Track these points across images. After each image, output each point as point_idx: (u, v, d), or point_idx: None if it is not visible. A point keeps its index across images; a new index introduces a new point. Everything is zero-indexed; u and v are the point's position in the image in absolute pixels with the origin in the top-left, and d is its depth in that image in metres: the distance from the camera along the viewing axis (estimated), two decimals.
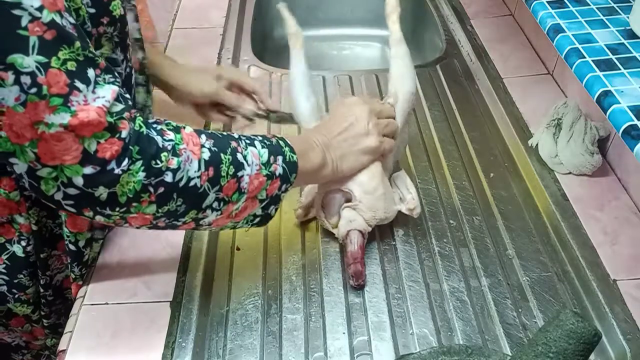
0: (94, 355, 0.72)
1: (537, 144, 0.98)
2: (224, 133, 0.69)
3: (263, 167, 0.68)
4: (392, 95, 0.88)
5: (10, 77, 0.51)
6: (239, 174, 0.66)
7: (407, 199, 0.86)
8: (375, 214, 0.82)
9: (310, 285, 0.82)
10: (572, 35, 0.89)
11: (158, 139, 0.61)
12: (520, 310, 0.78)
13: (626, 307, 0.75)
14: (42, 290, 0.80)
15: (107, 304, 0.77)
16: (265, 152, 0.69)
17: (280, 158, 0.70)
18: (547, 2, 0.96)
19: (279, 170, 0.70)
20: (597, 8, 0.94)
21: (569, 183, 0.93)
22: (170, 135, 0.62)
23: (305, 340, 0.75)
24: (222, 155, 0.65)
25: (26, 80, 0.52)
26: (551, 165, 0.96)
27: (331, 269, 0.84)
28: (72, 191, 0.58)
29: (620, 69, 0.81)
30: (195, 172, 0.62)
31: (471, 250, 0.86)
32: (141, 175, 0.59)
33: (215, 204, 0.65)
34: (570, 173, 0.94)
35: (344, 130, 0.79)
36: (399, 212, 0.86)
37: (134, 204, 0.60)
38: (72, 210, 0.60)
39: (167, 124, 0.64)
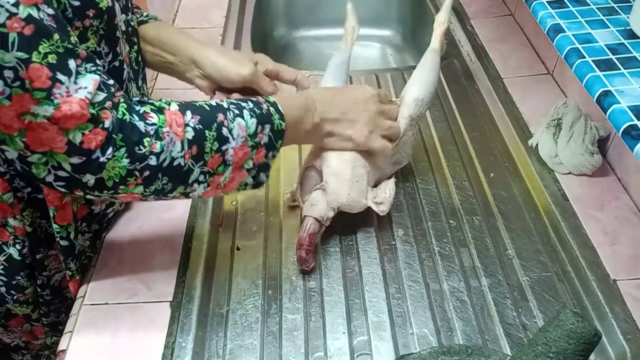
0: (94, 355, 0.72)
1: (537, 144, 0.98)
2: (213, 104, 0.69)
3: (249, 139, 0.69)
4: (399, 98, 0.90)
5: None
6: (223, 148, 0.67)
7: (381, 195, 0.86)
8: (338, 197, 0.82)
9: (310, 285, 0.82)
10: (572, 35, 0.89)
11: (140, 124, 0.62)
12: (520, 310, 0.78)
13: (626, 307, 0.75)
14: (39, 290, 0.80)
15: (107, 304, 0.77)
16: (253, 123, 0.69)
17: (267, 127, 0.70)
18: (547, 2, 0.96)
19: (265, 140, 0.70)
20: (597, 8, 0.94)
21: (569, 183, 0.93)
22: (154, 118, 0.63)
23: (305, 340, 0.75)
24: (206, 132, 0.65)
25: (9, 74, 0.53)
26: (551, 165, 0.96)
27: (331, 268, 0.84)
28: (62, 174, 0.60)
29: (620, 69, 0.81)
30: (178, 152, 0.63)
31: (471, 250, 0.86)
32: (125, 161, 0.60)
33: (201, 177, 0.66)
34: (570, 173, 0.94)
35: (346, 111, 0.80)
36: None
37: (121, 187, 0.62)
38: (64, 190, 0.62)
39: (150, 104, 0.64)
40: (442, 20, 0.94)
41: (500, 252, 0.86)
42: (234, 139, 0.67)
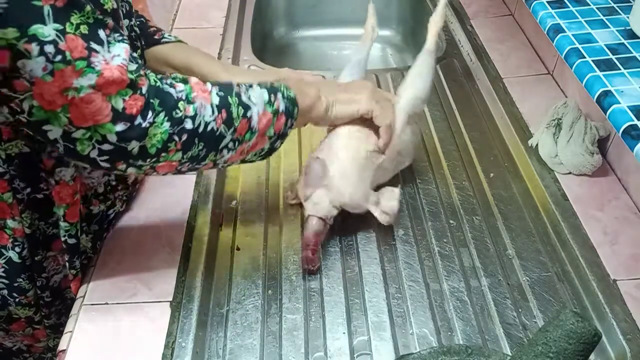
0: (93, 355, 0.72)
1: (537, 144, 0.98)
2: (224, 82, 0.72)
3: (267, 105, 0.72)
4: (395, 96, 0.89)
5: (34, 48, 0.53)
6: (248, 114, 0.70)
7: (386, 204, 0.85)
8: (341, 197, 0.82)
9: (310, 285, 0.82)
10: (572, 35, 0.89)
11: (172, 90, 0.64)
12: (520, 310, 0.78)
13: (626, 307, 0.75)
14: (39, 292, 0.80)
15: (107, 304, 0.77)
16: (264, 92, 0.73)
17: (279, 94, 0.74)
18: (547, 2, 0.96)
19: (282, 106, 0.73)
20: (597, 8, 0.94)
21: (569, 183, 0.93)
22: (181, 86, 0.66)
23: (305, 340, 0.75)
24: (229, 98, 0.69)
25: (50, 49, 0.54)
26: (551, 165, 0.96)
27: (331, 269, 0.84)
28: (106, 147, 0.61)
29: (620, 69, 0.81)
30: (210, 116, 0.66)
31: (471, 250, 0.86)
32: (166, 125, 0.62)
33: (230, 144, 0.69)
34: (570, 173, 0.94)
35: (344, 89, 0.84)
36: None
37: (163, 154, 0.64)
38: (107, 165, 0.63)
39: (174, 77, 0.67)
40: (438, 19, 0.94)
41: (500, 252, 0.86)
42: (254, 104, 0.70)
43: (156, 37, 0.90)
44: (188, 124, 0.64)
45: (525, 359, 0.60)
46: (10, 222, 0.73)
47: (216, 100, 0.67)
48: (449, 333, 0.75)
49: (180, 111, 0.63)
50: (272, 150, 0.76)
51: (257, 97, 0.71)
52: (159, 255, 0.83)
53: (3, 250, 0.74)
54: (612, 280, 0.79)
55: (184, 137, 0.64)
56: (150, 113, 0.61)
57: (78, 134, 0.59)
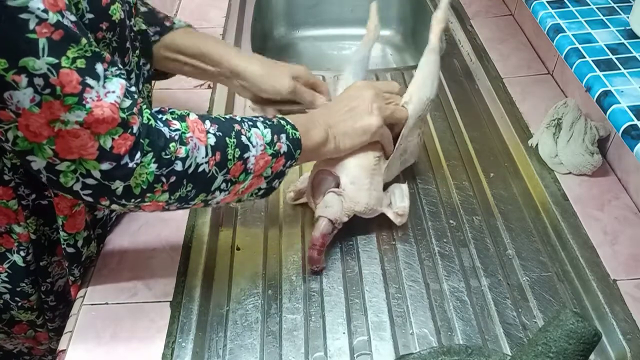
0: (94, 355, 0.72)
1: (537, 144, 0.98)
2: (227, 117, 0.70)
3: (267, 147, 0.69)
4: (405, 97, 0.88)
5: (23, 80, 0.52)
6: (245, 155, 0.67)
7: (399, 206, 0.86)
8: (355, 206, 0.82)
9: (310, 285, 0.82)
10: (572, 35, 0.89)
11: (165, 130, 0.62)
12: (520, 310, 0.78)
13: (626, 307, 0.75)
14: (43, 296, 0.80)
15: (107, 304, 0.77)
16: (268, 132, 0.70)
17: (283, 136, 0.71)
18: (547, 2, 0.96)
19: (284, 148, 0.71)
20: (597, 8, 0.94)
21: (569, 183, 0.93)
22: (176, 124, 0.63)
23: (305, 340, 0.75)
24: (227, 139, 0.66)
25: (39, 82, 0.52)
26: (551, 165, 0.96)
27: (331, 269, 0.84)
28: (90, 181, 0.59)
29: (620, 69, 0.81)
30: (203, 158, 0.64)
31: (471, 250, 0.86)
32: (153, 166, 0.60)
33: (223, 185, 0.67)
34: (570, 173, 0.94)
35: (349, 110, 0.81)
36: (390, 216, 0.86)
37: (148, 195, 0.62)
38: (90, 199, 0.61)
39: (171, 113, 0.65)
40: (440, 18, 0.93)
41: (500, 252, 0.86)
42: (253, 146, 0.68)
43: (167, 23, 0.89)
44: (178, 166, 0.62)
45: (525, 359, 0.60)
46: (16, 228, 0.72)
47: (212, 141, 0.65)
48: (449, 333, 0.75)
49: (171, 152, 0.61)
50: (269, 189, 0.74)
51: (258, 138, 0.69)
52: (159, 255, 0.83)
53: (8, 254, 0.74)
54: (612, 280, 0.79)
55: (172, 178, 0.62)
56: (138, 153, 0.59)
57: (62, 166, 0.57)
